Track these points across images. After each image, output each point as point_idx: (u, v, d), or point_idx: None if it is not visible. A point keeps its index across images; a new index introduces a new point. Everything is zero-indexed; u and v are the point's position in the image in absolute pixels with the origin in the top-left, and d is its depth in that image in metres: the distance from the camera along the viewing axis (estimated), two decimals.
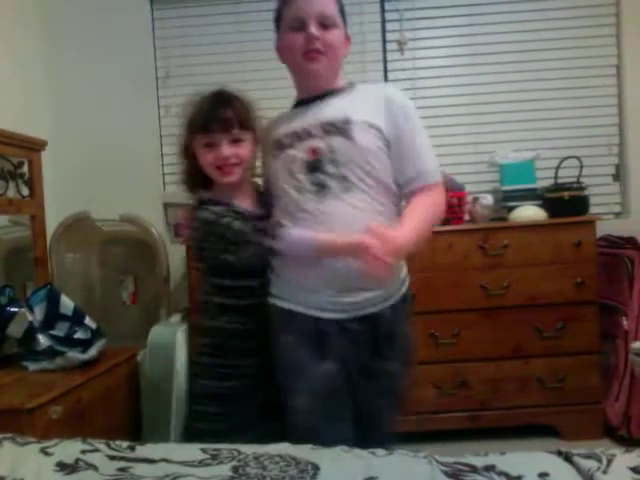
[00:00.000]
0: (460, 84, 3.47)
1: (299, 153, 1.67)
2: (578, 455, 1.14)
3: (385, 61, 3.49)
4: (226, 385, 1.74)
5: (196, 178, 1.82)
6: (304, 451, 1.23)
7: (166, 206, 3.36)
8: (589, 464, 1.09)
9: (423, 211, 1.64)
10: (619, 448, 1.18)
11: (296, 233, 1.63)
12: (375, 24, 3.47)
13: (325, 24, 1.68)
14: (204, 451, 1.23)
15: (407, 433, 2.02)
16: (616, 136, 3.50)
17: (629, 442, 2.74)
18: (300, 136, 1.69)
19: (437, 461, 1.15)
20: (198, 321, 1.86)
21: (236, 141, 1.74)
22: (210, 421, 1.75)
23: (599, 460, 1.10)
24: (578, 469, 1.09)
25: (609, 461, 1.10)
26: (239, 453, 1.22)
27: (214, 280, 1.78)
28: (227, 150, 1.72)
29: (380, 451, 1.24)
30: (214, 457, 1.20)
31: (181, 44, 3.50)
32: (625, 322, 2.93)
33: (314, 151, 1.66)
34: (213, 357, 1.78)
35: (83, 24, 3.42)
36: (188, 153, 1.80)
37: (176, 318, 2.96)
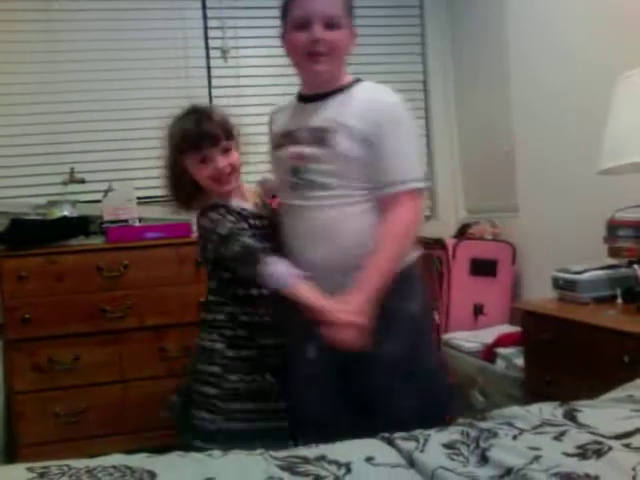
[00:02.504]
0: (280, 94, 3.54)
1: (287, 155, 1.73)
2: (399, 438, 1.24)
3: (209, 68, 3.50)
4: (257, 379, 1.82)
5: (191, 192, 1.88)
6: (139, 460, 1.21)
7: None
8: (408, 445, 1.19)
9: (384, 254, 1.62)
10: (434, 429, 1.30)
11: (279, 270, 1.67)
12: (198, 30, 3.48)
13: (330, 24, 1.66)
14: (31, 470, 1.16)
15: None
16: (424, 145, 3.81)
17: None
18: (291, 138, 1.73)
19: (272, 456, 1.19)
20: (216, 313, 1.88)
21: (226, 151, 1.80)
22: (244, 420, 1.78)
23: (417, 440, 1.21)
24: (399, 450, 1.18)
25: (425, 440, 1.21)
26: (69, 468, 1.17)
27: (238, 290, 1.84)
28: (221, 162, 1.79)
29: (216, 452, 1.26)
30: (42, 475, 1.14)
31: None
32: (436, 317, 3.19)
33: (299, 156, 1.69)
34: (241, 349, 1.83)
35: None
36: (177, 172, 1.86)
37: None
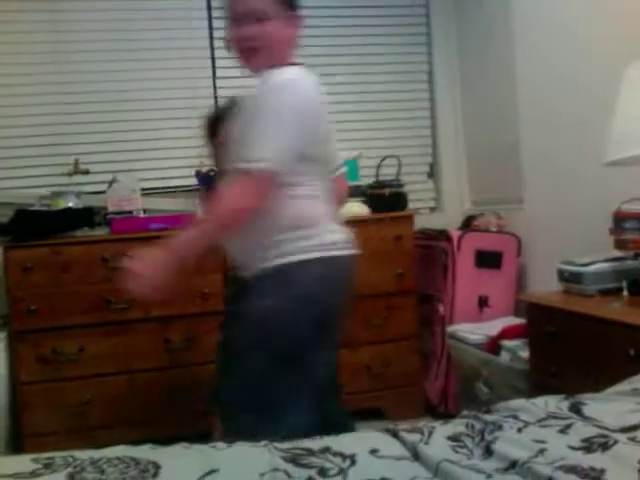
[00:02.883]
0: None
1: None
2: (403, 430, 1.24)
3: (213, 58, 3.49)
4: None
5: None
6: (143, 451, 1.22)
7: None
8: (413, 437, 1.19)
9: (199, 226, 1.65)
10: (440, 422, 1.30)
11: None
12: (202, 20, 3.47)
13: (260, 18, 1.70)
14: (36, 461, 1.17)
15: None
16: (429, 137, 3.79)
17: (447, 417, 2.98)
18: None
19: (276, 448, 1.19)
20: None
21: None
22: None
23: (422, 433, 1.20)
24: (404, 443, 1.18)
25: (430, 433, 1.20)
26: (74, 459, 1.17)
27: None
28: None
29: (220, 444, 1.26)
30: (47, 466, 1.15)
31: None
32: (441, 309, 3.19)
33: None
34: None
35: None
36: None
37: None
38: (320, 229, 1.70)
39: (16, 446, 2.74)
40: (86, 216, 2.94)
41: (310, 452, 1.17)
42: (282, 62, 1.73)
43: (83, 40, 3.34)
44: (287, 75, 1.68)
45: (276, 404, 1.66)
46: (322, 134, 1.75)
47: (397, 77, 3.70)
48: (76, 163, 3.19)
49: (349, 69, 3.63)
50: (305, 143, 1.66)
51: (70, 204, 2.96)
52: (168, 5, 3.43)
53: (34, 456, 1.21)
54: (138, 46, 3.39)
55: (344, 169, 2.03)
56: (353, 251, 1.77)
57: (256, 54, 1.72)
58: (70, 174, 3.17)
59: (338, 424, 1.70)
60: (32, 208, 2.92)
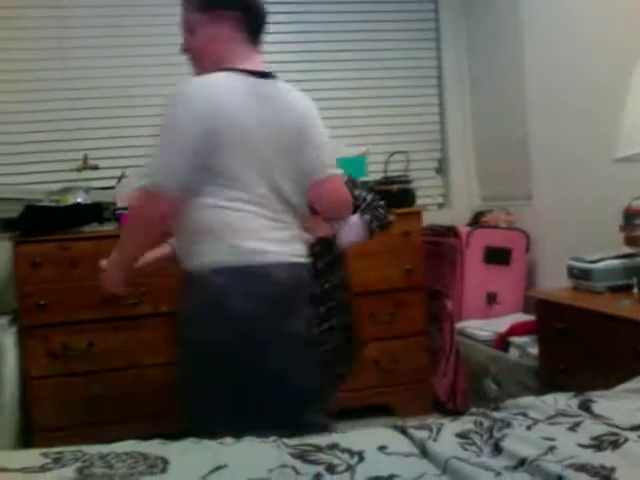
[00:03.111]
0: (293, 80, 3.51)
1: None
2: (412, 427, 1.23)
3: None
4: None
5: None
6: (152, 446, 1.22)
7: None
8: (421, 434, 1.19)
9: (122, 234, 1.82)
10: (448, 419, 1.30)
11: None
12: None
13: (190, 29, 1.76)
14: (45, 455, 1.17)
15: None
16: (438, 133, 3.78)
17: (456, 414, 2.98)
18: None
19: (285, 444, 1.20)
20: None
21: None
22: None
23: (430, 430, 1.20)
24: (412, 439, 1.18)
25: (438, 430, 1.20)
26: (83, 454, 1.18)
27: None
28: None
29: (229, 439, 1.26)
30: (56, 460, 1.15)
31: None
32: (449, 305, 3.19)
33: None
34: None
35: None
36: None
37: (3, 320, 2.77)
38: (233, 238, 1.64)
39: (26, 441, 2.75)
40: (95, 211, 2.95)
41: (318, 448, 1.17)
42: (214, 68, 1.68)
43: (89, 36, 3.34)
44: (182, 87, 1.66)
45: (195, 415, 1.73)
46: (231, 145, 1.62)
47: (405, 73, 3.69)
48: (85, 159, 3.20)
49: (357, 65, 3.62)
50: (202, 156, 1.59)
51: (79, 199, 2.97)
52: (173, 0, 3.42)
53: (43, 451, 1.22)
54: (148, 41, 3.39)
55: (331, 173, 1.82)
56: (279, 260, 1.68)
57: (193, 64, 1.78)
58: (79, 170, 3.18)
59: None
60: (41, 203, 2.93)
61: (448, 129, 3.77)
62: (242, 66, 1.70)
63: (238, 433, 1.27)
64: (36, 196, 3.03)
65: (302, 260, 1.75)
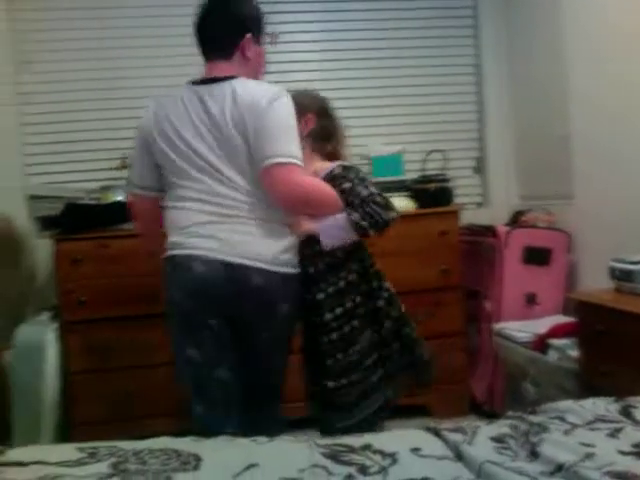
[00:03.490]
0: (331, 78, 3.53)
1: None
2: (446, 429, 1.22)
3: None
4: None
5: None
6: (185, 443, 1.23)
7: (30, 198, 3.18)
8: (456, 437, 1.17)
9: None
10: (484, 421, 1.27)
11: None
12: None
13: None
14: (81, 450, 1.19)
15: (297, 419, 2.14)
16: (476, 131, 3.73)
17: (493, 416, 2.94)
18: None
19: (317, 444, 1.19)
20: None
21: None
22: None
23: (465, 433, 1.18)
24: (446, 442, 1.16)
25: (474, 433, 1.18)
26: (118, 449, 1.20)
27: None
28: None
29: (262, 438, 1.26)
30: (92, 455, 1.17)
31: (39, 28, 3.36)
32: (487, 306, 3.14)
33: None
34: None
35: None
36: None
37: (45, 316, 2.83)
38: (170, 234, 1.86)
39: (66, 435, 2.80)
40: None
41: (351, 449, 1.16)
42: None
43: (129, 36, 3.39)
44: None
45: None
46: (164, 148, 1.83)
47: (443, 70, 3.65)
48: (124, 158, 3.24)
49: (394, 62, 3.59)
50: (151, 163, 1.90)
51: (119, 198, 3.01)
52: None
53: (80, 445, 1.24)
54: (182, 42, 3.36)
55: (267, 164, 1.75)
56: (188, 252, 1.79)
57: None
58: (118, 168, 3.22)
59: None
60: (81, 202, 2.98)
61: (487, 127, 3.72)
62: (197, 78, 1.90)
63: None
64: (76, 194, 3.08)
65: (222, 257, 1.76)
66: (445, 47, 3.65)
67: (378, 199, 1.84)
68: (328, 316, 1.88)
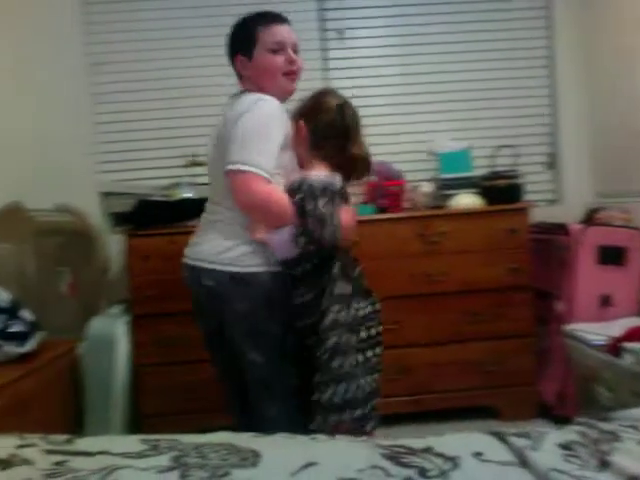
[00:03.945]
0: (398, 74, 3.51)
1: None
2: (510, 434, 1.18)
3: (323, 51, 3.49)
4: None
5: None
6: (245, 439, 1.24)
7: (103, 195, 3.29)
8: (521, 442, 1.13)
9: None
10: (552, 426, 1.22)
11: None
12: (311, 12, 3.48)
13: (295, 50, 2.01)
14: (144, 442, 1.21)
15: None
16: (549, 125, 3.61)
17: (563, 421, 2.84)
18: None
19: (376, 445, 1.17)
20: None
21: None
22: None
23: (530, 438, 1.14)
24: (511, 447, 1.12)
25: (540, 438, 1.14)
26: (179, 443, 1.21)
27: None
28: None
29: (322, 437, 1.26)
30: (154, 447, 1.19)
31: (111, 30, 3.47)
32: (559, 307, 3.03)
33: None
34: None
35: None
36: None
37: (116, 310, 2.92)
38: None
39: (135, 427, 2.88)
40: (201, 206, 3.03)
41: (411, 451, 1.14)
42: None
43: (198, 35, 3.45)
44: None
45: None
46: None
47: (514, 64, 3.55)
48: (193, 155, 3.30)
49: (463, 57, 3.52)
50: None
51: (188, 194, 3.07)
52: None
53: (143, 437, 1.26)
54: None
55: (227, 168, 1.80)
56: (185, 260, 2.04)
57: (296, 79, 2.07)
58: (187, 166, 3.28)
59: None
60: (152, 198, 3.05)
61: (560, 121, 3.59)
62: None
63: None
64: (147, 191, 3.16)
65: (186, 260, 2.02)
66: (516, 40, 3.54)
67: (323, 211, 1.77)
68: (307, 321, 1.90)
